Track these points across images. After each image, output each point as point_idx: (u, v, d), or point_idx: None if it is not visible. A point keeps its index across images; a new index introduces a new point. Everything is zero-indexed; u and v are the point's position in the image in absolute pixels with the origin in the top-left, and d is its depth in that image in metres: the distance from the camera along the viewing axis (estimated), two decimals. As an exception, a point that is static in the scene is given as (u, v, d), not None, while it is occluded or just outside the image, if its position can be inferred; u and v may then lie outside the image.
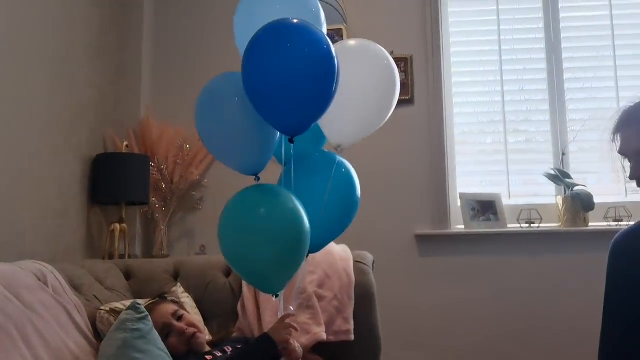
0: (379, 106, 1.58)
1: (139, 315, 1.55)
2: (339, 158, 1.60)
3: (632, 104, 1.49)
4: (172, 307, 1.75)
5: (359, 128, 1.60)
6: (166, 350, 1.59)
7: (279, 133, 1.50)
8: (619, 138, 1.50)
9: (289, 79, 1.32)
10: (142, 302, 1.68)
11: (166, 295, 1.88)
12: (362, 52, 1.57)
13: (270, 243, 1.40)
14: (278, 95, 1.33)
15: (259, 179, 1.49)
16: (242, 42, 1.43)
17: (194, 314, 1.98)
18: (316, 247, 1.56)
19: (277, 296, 1.49)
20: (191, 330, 1.69)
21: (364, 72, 1.54)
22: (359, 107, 1.55)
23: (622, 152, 1.50)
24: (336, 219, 1.59)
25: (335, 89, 1.36)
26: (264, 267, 1.43)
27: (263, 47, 1.33)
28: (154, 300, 1.81)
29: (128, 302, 1.80)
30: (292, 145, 1.42)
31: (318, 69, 1.33)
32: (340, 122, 1.54)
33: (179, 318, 1.72)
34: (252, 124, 1.44)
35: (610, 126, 1.51)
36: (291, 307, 1.68)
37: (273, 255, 1.41)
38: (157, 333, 1.60)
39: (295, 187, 1.49)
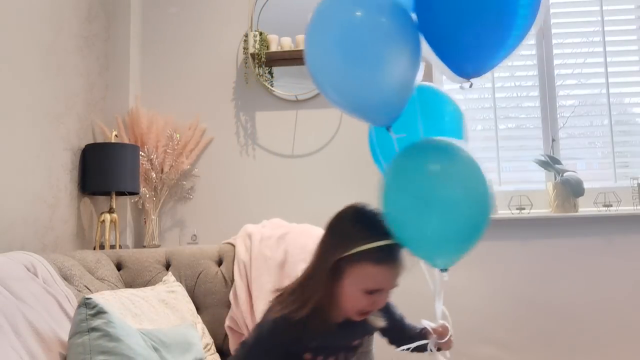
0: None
1: (92, 312, 1.42)
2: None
3: None
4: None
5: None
6: (137, 332, 1.44)
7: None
8: None
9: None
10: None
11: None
12: None
13: (452, 217, 1.18)
14: (472, 24, 1.02)
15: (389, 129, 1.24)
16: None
17: (185, 303, 1.95)
18: None
19: (445, 270, 1.32)
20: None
21: None
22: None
23: None
24: None
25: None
26: (438, 242, 1.24)
27: None
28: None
29: (121, 291, 1.80)
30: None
31: None
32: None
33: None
34: (402, 55, 1.16)
35: None
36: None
37: (453, 230, 1.21)
38: (120, 321, 1.44)
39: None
